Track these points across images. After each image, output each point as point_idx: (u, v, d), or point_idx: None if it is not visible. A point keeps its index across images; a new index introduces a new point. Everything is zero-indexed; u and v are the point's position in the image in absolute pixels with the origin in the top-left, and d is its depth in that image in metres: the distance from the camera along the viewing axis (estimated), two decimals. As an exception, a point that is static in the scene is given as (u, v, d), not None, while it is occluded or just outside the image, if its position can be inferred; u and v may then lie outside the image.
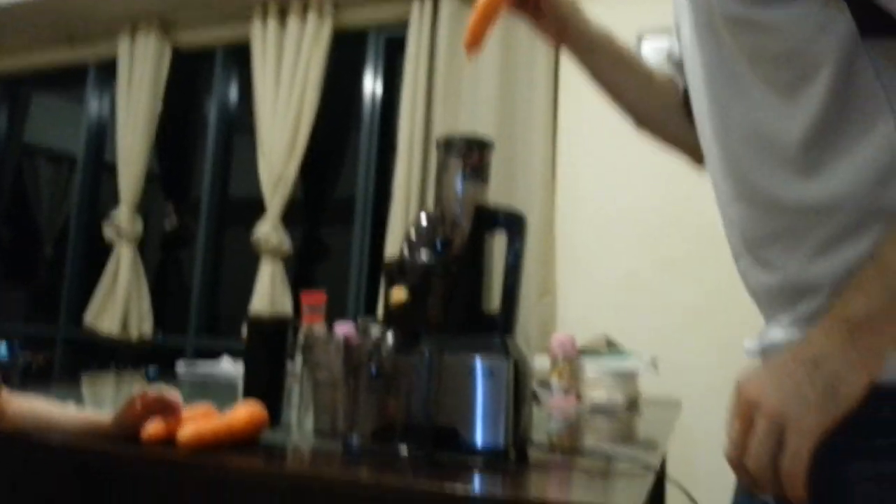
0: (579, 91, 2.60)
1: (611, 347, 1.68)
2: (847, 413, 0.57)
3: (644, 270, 2.45)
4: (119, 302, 3.27)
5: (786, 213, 0.68)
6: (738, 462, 0.60)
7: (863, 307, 0.58)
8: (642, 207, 2.50)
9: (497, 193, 2.51)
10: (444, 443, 0.88)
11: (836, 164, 0.64)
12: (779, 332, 0.72)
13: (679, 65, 0.92)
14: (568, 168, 2.63)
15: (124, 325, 3.28)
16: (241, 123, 3.44)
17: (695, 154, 0.91)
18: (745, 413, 0.60)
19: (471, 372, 0.89)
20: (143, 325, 3.33)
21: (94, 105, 3.75)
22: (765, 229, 0.71)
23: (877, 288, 0.58)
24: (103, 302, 3.32)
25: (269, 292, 2.99)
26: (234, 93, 3.53)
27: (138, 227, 3.38)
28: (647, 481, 0.83)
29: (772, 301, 0.74)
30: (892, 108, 0.62)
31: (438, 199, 1.02)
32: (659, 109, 0.97)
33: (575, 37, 0.95)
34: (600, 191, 2.58)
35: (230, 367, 2.03)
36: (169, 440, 0.92)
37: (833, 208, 0.64)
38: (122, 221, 3.33)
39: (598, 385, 1.56)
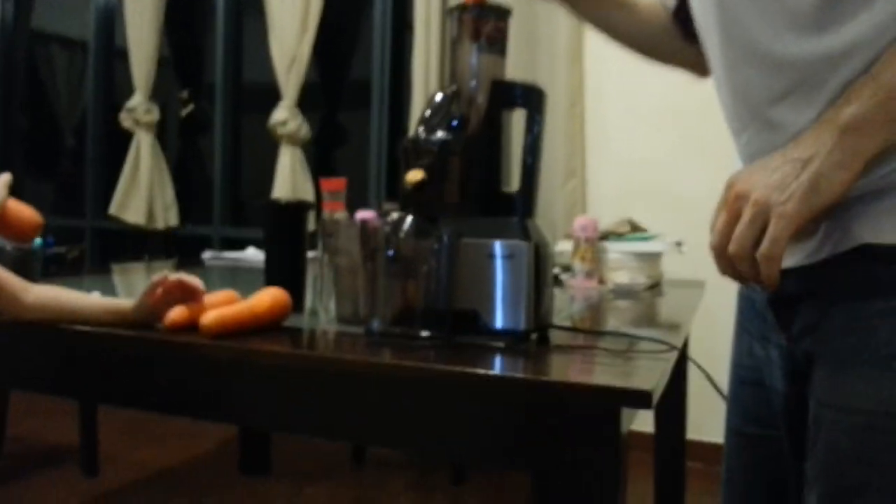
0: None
1: (635, 230, 1.64)
2: (826, 205, 0.62)
3: (673, 147, 2.37)
4: (143, 192, 3.29)
5: (797, 68, 0.67)
6: (721, 250, 0.66)
7: (852, 114, 0.62)
8: (672, 85, 2.38)
9: (518, 68, 2.42)
10: (464, 326, 0.87)
11: (851, 17, 0.64)
12: None
13: None
14: (596, 39, 2.49)
15: (150, 215, 3.31)
16: (251, 3, 3.30)
17: (696, 68, 0.96)
18: (734, 204, 0.65)
19: (490, 255, 0.87)
20: (168, 214, 3.36)
21: (100, -14, 3.61)
22: (775, 88, 0.70)
23: (866, 97, 0.62)
24: (127, 192, 3.34)
25: (290, 179, 2.97)
26: (241, -31, 3.37)
27: (155, 114, 3.34)
28: (669, 362, 0.82)
29: None
30: None
31: (453, 74, 0.97)
32: (650, 35, 1.01)
33: None
34: (630, 66, 2.45)
35: (256, 256, 2.04)
36: (192, 326, 0.92)
37: (849, 54, 0.64)
38: (139, 109, 3.28)
39: (621, 267, 1.54)
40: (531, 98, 0.94)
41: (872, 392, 0.64)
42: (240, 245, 2.27)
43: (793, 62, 0.67)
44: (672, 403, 1.75)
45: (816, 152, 0.62)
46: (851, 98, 0.62)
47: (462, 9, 0.97)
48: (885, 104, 0.61)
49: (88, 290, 1.13)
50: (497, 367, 0.80)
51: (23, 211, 0.96)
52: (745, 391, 0.86)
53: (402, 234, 0.90)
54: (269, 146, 3.08)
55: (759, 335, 0.82)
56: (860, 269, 0.66)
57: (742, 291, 0.87)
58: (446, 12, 1.00)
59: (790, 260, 0.72)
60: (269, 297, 0.98)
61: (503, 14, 0.97)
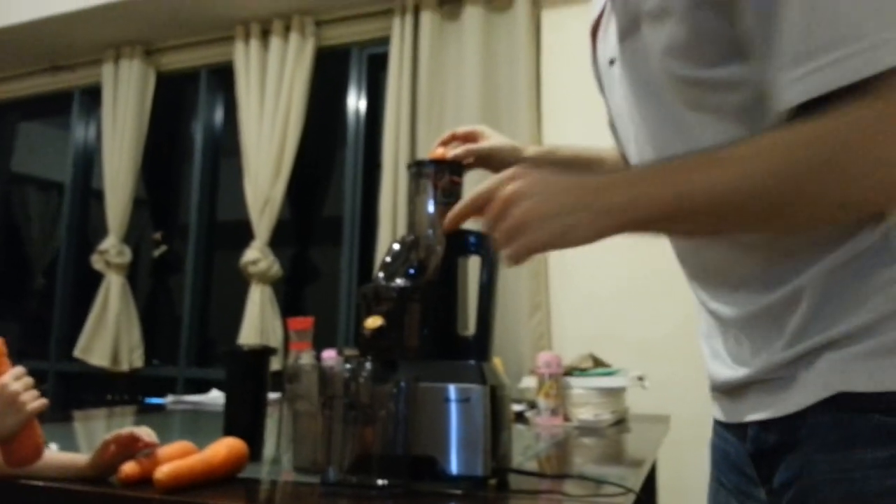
0: (564, 105, 2.61)
1: (597, 365, 1.67)
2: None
3: (636, 282, 2.44)
4: (109, 333, 3.25)
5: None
6: (472, 213, 0.76)
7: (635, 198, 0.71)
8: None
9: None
10: (421, 473, 0.87)
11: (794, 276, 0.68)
12: (779, 355, 0.70)
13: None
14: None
15: (115, 357, 3.26)
16: (227, 146, 3.43)
17: None
18: (504, 205, 0.71)
19: (446, 399, 0.88)
20: (133, 356, 3.30)
21: (79, 132, 3.74)
22: (726, 261, 0.75)
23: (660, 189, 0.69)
24: (93, 334, 3.29)
25: (259, 318, 2.97)
26: (219, 115, 3.53)
27: (127, 256, 3.36)
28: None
29: (756, 324, 0.73)
30: None
31: (412, 223, 1.02)
32: None
33: None
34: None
35: (219, 399, 2.01)
36: (146, 480, 0.90)
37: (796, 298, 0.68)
38: (111, 251, 3.31)
39: (586, 403, 1.55)
40: (484, 246, 0.99)
41: None
42: (206, 386, 2.24)
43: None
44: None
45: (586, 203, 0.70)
46: (646, 178, 0.71)
47: (419, 164, 1.03)
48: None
49: (47, 441, 1.10)
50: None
51: (38, 436, 0.95)
52: None
53: (360, 380, 0.91)
54: (239, 283, 3.10)
55: (736, 490, 0.80)
56: (839, 418, 0.65)
57: (715, 443, 0.86)
58: (409, 169, 1.06)
59: (769, 412, 0.71)
60: (224, 448, 0.96)
61: (457, 169, 1.03)
